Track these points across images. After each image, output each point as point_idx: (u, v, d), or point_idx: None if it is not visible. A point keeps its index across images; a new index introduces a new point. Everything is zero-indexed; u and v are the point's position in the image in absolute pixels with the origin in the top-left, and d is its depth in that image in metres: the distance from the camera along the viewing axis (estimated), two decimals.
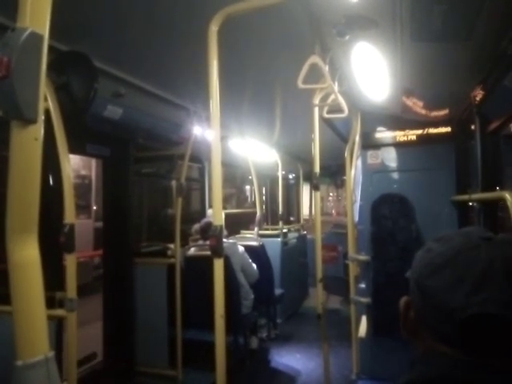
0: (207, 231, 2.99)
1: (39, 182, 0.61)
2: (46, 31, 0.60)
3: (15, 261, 0.57)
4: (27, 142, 0.59)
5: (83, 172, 6.09)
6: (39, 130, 0.61)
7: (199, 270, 2.93)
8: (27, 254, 0.58)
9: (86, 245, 5.59)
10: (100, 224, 6.03)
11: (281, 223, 4.88)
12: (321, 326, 2.29)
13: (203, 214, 4.05)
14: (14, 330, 0.55)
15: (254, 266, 3.37)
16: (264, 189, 6.79)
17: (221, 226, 1.43)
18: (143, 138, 3.05)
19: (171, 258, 3.09)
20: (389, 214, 2.73)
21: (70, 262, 1.72)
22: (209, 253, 1.47)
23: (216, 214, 1.45)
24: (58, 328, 1.77)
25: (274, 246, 4.42)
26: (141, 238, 3.73)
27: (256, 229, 4.27)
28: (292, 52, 1.94)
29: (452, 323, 0.53)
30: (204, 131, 3.07)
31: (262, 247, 3.76)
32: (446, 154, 2.72)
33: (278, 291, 4.06)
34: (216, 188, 1.45)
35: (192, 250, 3.28)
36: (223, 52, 1.43)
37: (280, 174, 4.97)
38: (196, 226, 3.65)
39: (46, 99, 1.65)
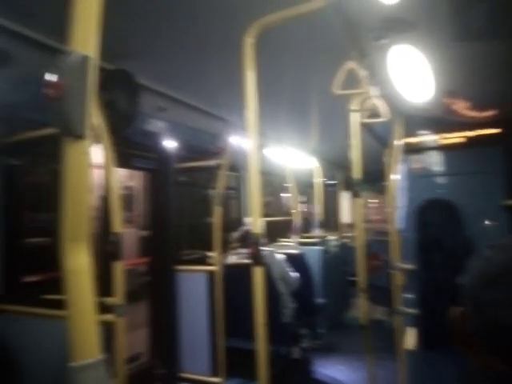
0: (246, 239, 3.01)
1: (89, 194, 0.66)
2: (94, 53, 0.65)
3: (69, 268, 0.62)
4: (77, 157, 0.65)
5: (129, 183, 6.36)
6: (87, 145, 0.66)
7: (239, 277, 2.94)
8: (79, 261, 0.63)
9: (131, 253, 5.80)
10: (145, 233, 6.25)
11: (320, 231, 4.81)
12: (365, 338, 2.22)
13: (241, 222, 4.08)
14: (69, 333, 0.59)
15: (294, 274, 3.33)
16: (302, 196, 6.73)
17: (260, 234, 1.44)
18: (183, 150, 3.15)
19: (212, 266, 3.14)
20: (435, 221, 2.61)
21: (118, 269, 1.80)
22: (248, 261, 1.48)
23: (255, 223, 1.46)
24: (107, 332, 1.85)
25: (314, 255, 4.35)
26: (182, 245, 3.83)
27: (295, 237, 4.23)
28: (328, 58, 1.93)
29: (508, 340, 0.49)
30: (240, 141, 3.11)
31: (301, 255, 3.71)
32: (495, 156, 2.56)
33: (319, 301, 3.99)
34: (254, 196, 1.46)
35: (232, 258, 3.31)
36: (258, 61, 1.45)
37: (319, 180, 4.92)
38: (235, 234, 3.68)
39: (94, 116, 1.76)
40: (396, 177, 3.00)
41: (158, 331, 3.16)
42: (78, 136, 0.63)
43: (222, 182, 3.21)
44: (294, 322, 3.28)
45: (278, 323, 2.97)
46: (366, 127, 2.65)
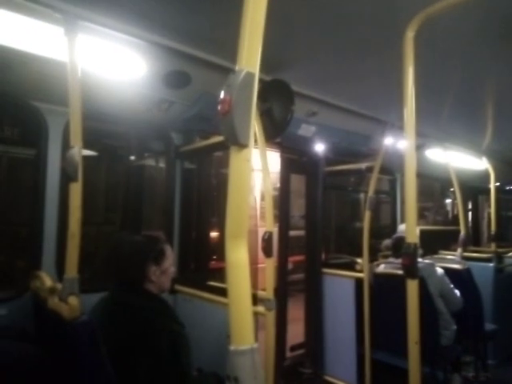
0: (399, 248, 2.80)
1: (249, 197, 0.74)
2: (256, 69, 0.73)
3: (230, 261, 0.71)
4: (241, 163, 0.73)
5: (278, 185, 6.72)
6: (250, 152, 0.74)
7: (389, 288, 2.76)
8: (239, 256, 0.71)
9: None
10: (292, 233, 6.52)
11: (494, 245, 4.07)
12: None
13: (394, 229, 3.82)
14: (229, 319, 0.68)
15: (457, 292, 2.93)
16: (470, 203, 5.84)
17: (415, 244, 1.31)
18: (333, 152, 3.15)
19: (359, 273, 3.04)
20: None
21: (269, 265, 1.93)
22: (401, 272, 1.37)
23: (410, 231, 1.35)
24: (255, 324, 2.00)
25: (483, 272, 3.72)
26: (329, 249, 3.84)
27: (459, 250, 3.69)
28: (509, 42, 1.62)
29: None
30: (396, 141, 2.91)
31: (467, 272, 3.23)
32: None
33: (489, 326, 3.39)
34: (410, 202, 1.35)
35: (382, 267, 3.13)
36: (419, 55, 1.33)
37: (492, 185, 4.18)
38: (387, 242, 3.46)
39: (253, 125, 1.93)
40: None
41: (305, 329, 3.25)
42: (243, 145, 0.72)
43: (373, 185, 3.07)
44: (454, 346, 2.88)
45: (434, 344, 2.66)
46: None
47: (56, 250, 1.94)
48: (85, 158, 1.41)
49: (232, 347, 0.66)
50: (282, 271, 3.39)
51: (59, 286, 1.38)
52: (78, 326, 1.26)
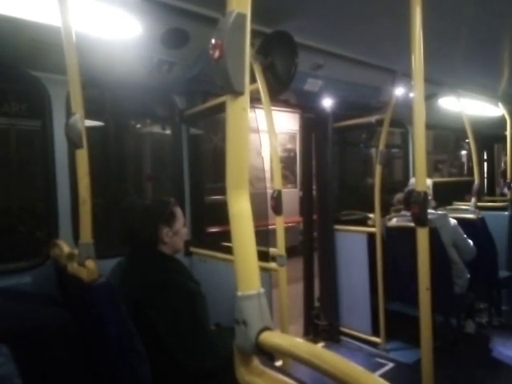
0: (410, 201, 2.78)
1: (248, 146, 0.72)
2: (248, 10, 0.68)
3: (233, 212, 0.71)
4: (237, 112, 0.71)
5: (289, 146, 6.65)
6: (246, 101, 0.71)
7: (402, 241, 2.78)
8: (241, 206, 0.71)
9: (292, 212, 6.15)
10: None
11: (510, 193, 4.01)
12: None
13: (407, 183, 3.78)
14: (235, 267, 0.69)
15: (470, 242, 2.93)
16: (485, 153, 5.70)
17: (425, 193, 1.30)
18: (341, 107, 3.06)
19: (371, 228, 3.05)
20: None
21: (279, 223, 1.95)
22: (413, 224, 1.36)
23: (419, 180, 1.33)
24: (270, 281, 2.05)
25: (498, 221, 3.69)
26: (341, 206, 3.84)
27: (473, 199, 3.65)
28: None
29: None
30: (407, 92, 2.81)
31: (480, 221, 3.21)
32: None
33: (503, 273, 3.42)
34: (419, 152, 1.32)
35: (394, 221, 3.14)
36: None
37: (509, 132, 4.04)
38: (399, 196, 3.45)
39: (256, 80, 1.87)
40: None
41: (319, 284, 3.34)
42: (238, 92, 0.69)
43: (384, 138, 3.01)
44: (468, 294, 2.93)
45: (447, 293, 2.71)
46: None
47: (71, 219, 1.99)
48: (94, 128, 1.40)
49: (239, 293, 0.68)
50: (307, 228, 3.50)
51: (76, 251, 1.43)
52: (96, 288, 1.32)
